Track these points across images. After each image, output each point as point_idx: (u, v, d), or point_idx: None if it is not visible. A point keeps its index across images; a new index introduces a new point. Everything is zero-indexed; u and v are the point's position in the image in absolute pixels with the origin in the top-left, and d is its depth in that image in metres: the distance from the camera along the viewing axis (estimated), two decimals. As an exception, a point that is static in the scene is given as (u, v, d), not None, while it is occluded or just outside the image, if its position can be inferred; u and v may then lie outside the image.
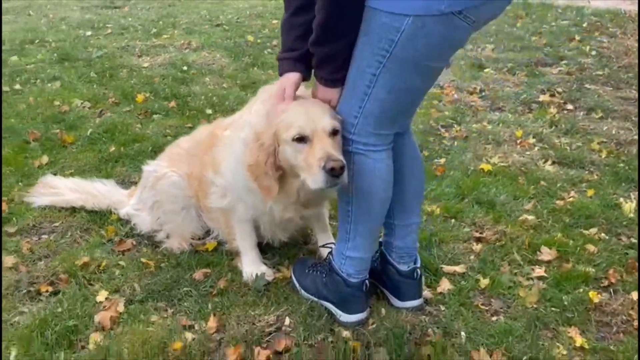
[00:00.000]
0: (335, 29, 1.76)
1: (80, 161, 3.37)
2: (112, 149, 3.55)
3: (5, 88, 4.68)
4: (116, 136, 3.76)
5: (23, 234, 2.58)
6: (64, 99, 4.44)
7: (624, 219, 2.99)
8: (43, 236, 2.58)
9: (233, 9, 8.02)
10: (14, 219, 2.67)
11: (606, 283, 2.42)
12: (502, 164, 3.67)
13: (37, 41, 6.10)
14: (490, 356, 1.94)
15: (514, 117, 4.57)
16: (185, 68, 5.29)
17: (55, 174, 3.12)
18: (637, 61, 6.47)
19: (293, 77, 1.93)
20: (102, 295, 2.13)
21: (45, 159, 3.32)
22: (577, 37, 6.96)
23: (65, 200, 2.74)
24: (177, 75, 5.11)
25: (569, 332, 2.10)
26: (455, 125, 4.32)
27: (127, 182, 3.15)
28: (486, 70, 5.74)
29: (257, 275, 2.30)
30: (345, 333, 2.04)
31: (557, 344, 2.03)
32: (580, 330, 2.11)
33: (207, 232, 2.59)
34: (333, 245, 2.25)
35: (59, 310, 2.05)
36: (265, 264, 2.41)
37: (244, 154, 2.05)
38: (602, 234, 2.83)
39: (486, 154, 3.82)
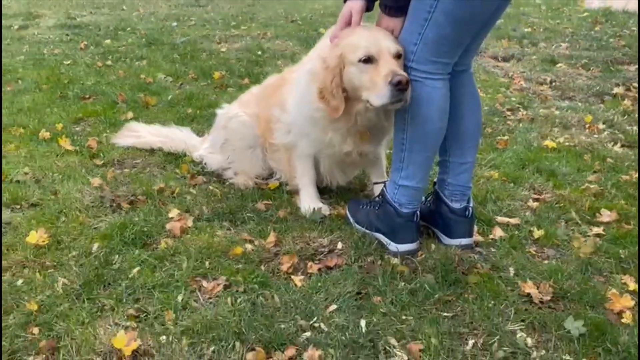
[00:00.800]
0: None
1: (160, 119, 3.65)
2: (189, 110, 3.82)
3: (98, 64, 5.13)
4: (193, 102, 4.05)
5: (108, 166, 2.86)
6: (148, 73, 4.81)
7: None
8: (125, 169, 2.84)
9: (308, 9, 8.33)
10: (100, 154, 2.97)
11: (668, 247, 2.36)
12: (567, 143, 3.62)
13: (128, 29, 6.63)
14: (537, 288, 1.96)
15: (585, 105, 4.48)
16: (259, 53, 5.58)
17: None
18: None
19: (357, 4, 2.06)
20: (173, 212, 2.34)
21: (130, 114, 3.64)
22: (660, 40, 6.66)
23: (146, 142, 3.01)
24: (251, 58, 5.40)
25: (622, 279, 2.07)
26: (522, 110, 4.29)
27: (201, 135, 3.40)
28: (558, 65, 5.64)
29: (314, 209, 2.43)
30: (394, 260, 2.12)
31: (609, 286, 2.02)
32: (635, 280, 2.08)
33: (271, 175, 2.76)
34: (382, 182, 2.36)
35: (136, 219, 2.27)
36: (322, 201, 2.55)
37: (308, 85, 2.20)
38: (669, 207, 2.75)
39: (552, 135, 3.78)
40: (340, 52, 2.07)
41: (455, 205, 2.22)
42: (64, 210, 2.33)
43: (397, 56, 2.00)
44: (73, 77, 4.62)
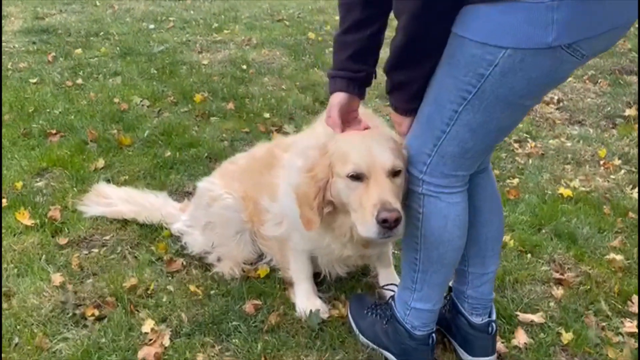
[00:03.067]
0: (414, 53, 1.53)
1: (135, 166, 3.28)
2: (168, 153, 3.44)
3: (67, 82, 4.69)
4: (172, 139, 3.66)
5: (73, 246, 2.50)
6: (123, 97, 4.39)
7: None
8: (93, 250, 2.49)
9: (295, 3, 7.82)
10: (66, 228, 2.60)
11: None
12: (583, 189, 3.32)
13: (101, 33, 6.12)
14: None
15: (596, 132, 4.17)
16: (244, 67, 5.15)
17: (109, 181, 3.05)
18: None
19: (337, 97, 1.74)
20: (147, 325, 2.01)
21: (101, 162, 3.26)
22: (667, 42, 6.34)
23: (117, 211, 2.65)
24: (236, 74, 4.98)
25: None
26: (530, 140, 3.97)
27: (179, 192, 3.03)
28: (564, 77, 5.30)
29: (311, 311, 2.11)
30: (408, 391, 1.82)
31: None
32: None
33: (260, 257, 2.43)
34: (396, 288, 2.04)
35: (103, 341, 1.94)
36: (320, 297, 2.23)
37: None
38: None
39: (565, 176, 3.48)
40: (329, 161, 1.74)
41: (476, 320, 1.91)
42: (18, 327, 1.98)
43: (394, 173, 1.67)
44: (39, 103, 4.18)
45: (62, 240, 2.51)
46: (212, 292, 2.24)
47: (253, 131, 3.90)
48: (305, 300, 2.17)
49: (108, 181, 3.04)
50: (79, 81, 4.75)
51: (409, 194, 1.70)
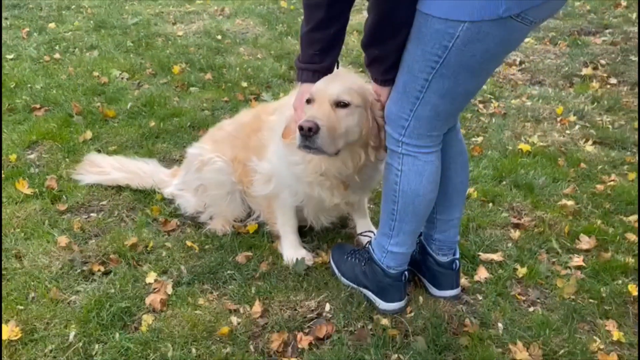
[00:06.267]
0: (386, 30, 1.74)
1: (122, 136, 3.44)
2: (152, 124, 3.60)
3: (45, 57, 4.75)
4: (155, 110, 3.81)
5: (73, 211, 2.69)
6: (102, 70, 4.49)
7: (667, 206, 2.94)
8: (92, 214, 2.68)
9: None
10: (64, 196, 2.78)
11: (645, 274, 2.42)
12: (541, 144, 3.61)
13: (73, 7, 6.13)
14: (527, 349, 1.98)
15: (554, 91, 4.46)
16: (219, 37, 5.27)
17: (99, 151, 3.21)
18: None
19: (305, 87, 1.98)
20: (151, 277, 2.23)
21: (89, 134, 3.40)
22: (624, 2, 6.63)
23: (111, 179, 2.82)
24: (211, 45, 5.10)
25: (606, 326, 2.12)
26: (494, 101, 4.24)
27: (167, 159, 3.22)
28: (526, 39, 5.56)
29: (297, 259, 2.36)
30: (384, 321, 2.09)
31: (595, 337, 2.06)
32: (618, 324, 2.13)
33: (249, 214, 2.65)
34: (372, 234, 2.30)
35: (112, 291, 2.15)
36: (305, 247, 2.48)
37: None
38: (643, 222, 2.80)
39: (525, 133, 3.77)
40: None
41: (442, 259, 2.19)
42: (32, 284, 2.18)
43: (338, 104, 1.91)
44: (20, 79, 4.26)
45: (62, 207, 2.69)
46: (206, 246, 2.46)
47: (232, 100, 4.07)
48: (292, 250, 2.41)
49: (99, 151, 3.20)
50: (57, 56, 4.82)
51: (389, 154, 1.94)
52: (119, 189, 2.84)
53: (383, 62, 1.81)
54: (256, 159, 2.36)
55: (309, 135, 1.85)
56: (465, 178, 2.14)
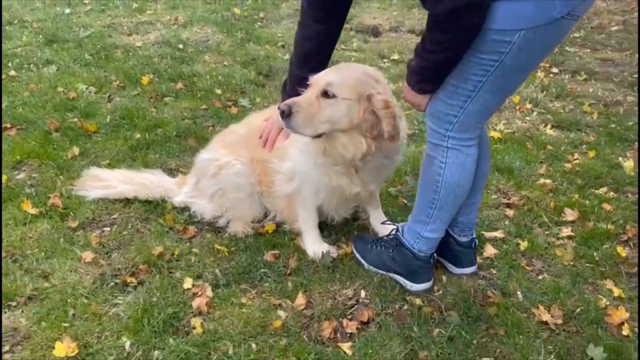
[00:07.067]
0: (449, 68, 1.88)
1: (111, 150, 3.40)
2: (138, 135, 3.58)
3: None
4: (136, 122, 3.78)
5: (85, 227, 2.66)
6: (67, 85, 4.37)
7: (627, 177, 3.32)
8: (105, 229, 2.66)
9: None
10: (71, 213, 2.73)
11: (625, 238, 2.73)
12: (508, 131, 3.93)
13: (16, 21, 5.87)
14: (549, 311, 2.21)
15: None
16: (181, 46, 5.26)
17: (92, 165, 3.17)
18: (607, 21, 6.82)
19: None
20: (187, 282, 2.27)
21: (76, 150, 3.34)
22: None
23: (118, 192, 2.81)
24: (175, 55, 5.08)
25: (606, 285, 2.39)
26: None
27: (164, 169, 3.20)
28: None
29: (322, 253, 2.48)
30: (417, 301, 2.26)
31: (600, 296, 2.32)
32: (614, 282, 2.41)
33: (265, 215, 2.73)
34: (390, 223, 2.48)
35: (154, 299, 2.18)
36: (326, 241, 2.60)
37: None
38: (611, 193, 3.15)
39: (491, 122, 4.07)
40: None
41: (463, 239, 2.38)
42: (69, 301, 2.17)
43: (324, 93, 2.09)
44: (-21, 99, 4.07)
45: (73, 224, 2.65)
46: (232, 249, 2.53)
47: (211, 107, 4.11)
48: (315, 244, 2.53)
49: (92, 166, 3.15)
50: (12, 73, 4.63)
51: (432, 148, 2.09)
52: (127, 201, 2.83)
53: (435, 80, 1.93)
54: (277, 161, 2.46)
55: (283, 116, 2.08)
56: (487, 164, 2.32)
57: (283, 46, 5.38)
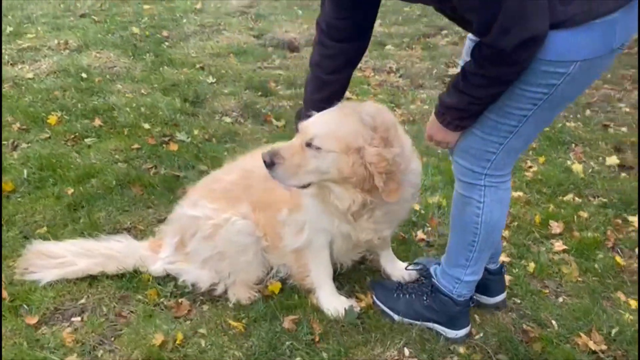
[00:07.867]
0: (488, 104, 1.74)
1: (42, 213, 2.81)
2: (70, 190, 3.01)
3: None
4: (60, 173, 3.18)
5: (49, 322, 2.13)
6: (-48, 133, 3.59)
7: (581, 180, 3.46)
8: (74, 319, 2.15)
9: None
10: (24, 305, 2.18)
11: (610, 244, 2.82)
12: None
13: None
14: (590, 338, 2.18)
15: (437, 93, 4.88)
16: (84, 75, 4.59)
17: (26, 237, 2.58)
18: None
19: None
20: (210, 375, 1.90)
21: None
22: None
23: (79, 269, 2.30)
24: (79, 85, 4.41)
25: (620, 297, 2.43)
26: (396, 109, 4.48)
27: (119, 230, 2.73)
28: (387, 47, 5.97)
29: (345, 309, 2.23)
30: (461, 349, 2.11)
31: (621, 311, 2.35)
32: (624, 293, 2.46)
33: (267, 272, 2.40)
34: (413, 266, 2.31)
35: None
36: (342, 294, 2.34)
37: None
38: (577, 199, 3.26)
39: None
40: None
41: (493, 267, 2.27)
42: None
43: (309, 144, 1.91)
44: None
45: (31, 320, 2.11)
46: (243, 321, 2.17)
47: (144, 146, 3.61)
48: (333, 299, 2.26)
49: (26, 238, 2.58)
50: None
51: (466, 187, 1.93)
52: (92, 279, 2.33)
53: (472, 116, 1.77)
54: (287, 212, 2.16)
55: (266, 165, 1.92)
56: None
57: (202, 68, 4.94)
